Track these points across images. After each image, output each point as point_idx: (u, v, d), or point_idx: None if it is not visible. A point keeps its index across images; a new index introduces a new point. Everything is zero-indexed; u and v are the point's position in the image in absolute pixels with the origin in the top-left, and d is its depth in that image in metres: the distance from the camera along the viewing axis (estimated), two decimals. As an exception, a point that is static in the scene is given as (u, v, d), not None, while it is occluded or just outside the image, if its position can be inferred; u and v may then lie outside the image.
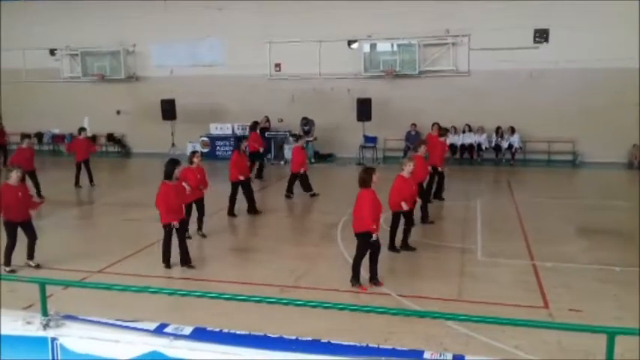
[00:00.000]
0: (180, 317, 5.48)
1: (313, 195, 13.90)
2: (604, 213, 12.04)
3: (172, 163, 8.85)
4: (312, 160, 19.38)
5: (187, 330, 3.16)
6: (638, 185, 16.06)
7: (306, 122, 19.70)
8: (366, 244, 7.82)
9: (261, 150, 16.75)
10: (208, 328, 3.20)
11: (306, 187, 13.94)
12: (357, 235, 7.92)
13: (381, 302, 7.35)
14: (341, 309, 3.52)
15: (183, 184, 9.61)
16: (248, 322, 5.31)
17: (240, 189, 12.14)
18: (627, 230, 10.61)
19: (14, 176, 8.63)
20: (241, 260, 9.69)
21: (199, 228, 10.65)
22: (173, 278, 8.53)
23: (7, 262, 8.63)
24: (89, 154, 15.68)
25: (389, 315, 6.55)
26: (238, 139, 16.00)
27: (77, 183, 15.52)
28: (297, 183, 13.94)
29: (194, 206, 10.41)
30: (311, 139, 19.46)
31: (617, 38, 17.35)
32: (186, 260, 8.88)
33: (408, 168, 9.20)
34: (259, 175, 16.45)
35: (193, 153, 10.87)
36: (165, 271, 8.74)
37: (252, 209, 12.34)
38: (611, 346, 2.82)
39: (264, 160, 17.26)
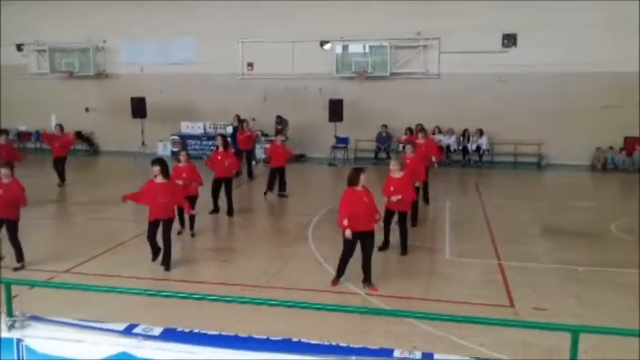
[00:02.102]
0: (150, 317, 5.44)
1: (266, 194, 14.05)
2: (568, 214, 12.34)
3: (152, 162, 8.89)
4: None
5: (157, 330, 3.14)
6: (601, 187, 16.54)
7: (280, 121, 19.68)
8: (344, 243, 7.89)
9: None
10: (178, 329, 3.19)
11: (278, 185, 14.03)
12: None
13: (349, 301, 7.42)
14: (304, 307, 3.53)
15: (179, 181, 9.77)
16: (218, 322, 5.32)
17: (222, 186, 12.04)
18: (590, 231, 10.92)
19: (3, 172, 8.55)
20: (213, 260, 9.63)
21: (190, 227, 10.64)
22: (143, 278, 8.43)
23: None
24: (66, 150, 15.58)
25: (357, 314, 6.64)
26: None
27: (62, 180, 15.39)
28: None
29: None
30: (283, 138, 19.43)
31: (583, 44, 17.81)
32: (164, 261, 8.80)
33: (393, 167, 9.28)
34: (250, 174, 16.63)
35: (179, 152, 11.21)
36: (134, 270, 8.62)
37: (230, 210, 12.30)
38: (575, 344, 2.91)
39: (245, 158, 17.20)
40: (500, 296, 7.67)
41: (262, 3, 19.94)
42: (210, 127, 20.30)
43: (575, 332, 2.97)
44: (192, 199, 10.30)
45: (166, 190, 8.61)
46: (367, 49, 19.97)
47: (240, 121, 17.63)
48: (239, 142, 16.62)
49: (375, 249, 8.41)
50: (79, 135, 22.35)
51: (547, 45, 18.16)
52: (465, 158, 19.35)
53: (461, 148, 19.37)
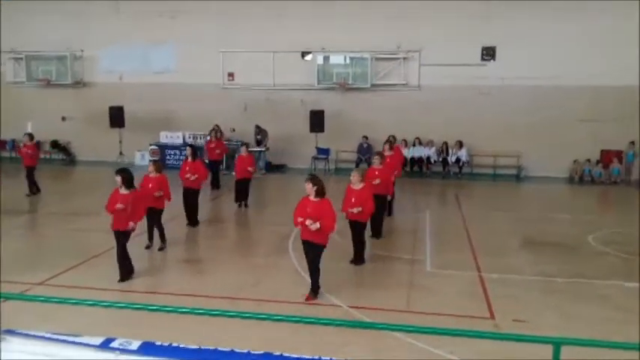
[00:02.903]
0: (127, 331, 5.32)
1: (240, 205, 13.91)
2: (547, 226, 12.46)
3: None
4: (263, 171, 19.31)
5: (135, 344, 3.06)
6: (578, 199, 16.75)
7: (259, 131, 19.64)
8: None
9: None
10: (157, 343, 3.12)
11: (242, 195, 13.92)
12: None
13: (331, 314, 7.37)
14: (295, 321, 3.49)
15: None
16: (198, 335, 5.22)
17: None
18: (568, 243, 11.03)
19: None
20: (192, 272, 9.52)
21: (161, 240, 10.42)
22: (120, 291, 8.29)
23: None
24: (34, 160, 15.15)
25: (339, 327, 6.58)
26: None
27: (31, 190, 15.00)
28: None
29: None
30: (263, 148, 19.45)
31: (561, 57, 18.14)
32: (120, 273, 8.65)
33: (353, 179, 9.31)
34: (217, 185, 16.34)
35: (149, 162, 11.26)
36: (111, 283, 8.47)
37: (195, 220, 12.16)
38: (557, 356, 2.91)
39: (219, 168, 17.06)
40: (481, 308, 7.69)
41: (243, 13, 19.95)
42: (189, 137, 20.15)
43: (557, 344, 2.98)
44: (158, 212, 10.21)
45: (127, 201, 8.47)
46: (348, 61, 20.07)
47: (212, 130, 17.49)
48: (208, 152, 16.61)
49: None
50: (55, 144, 22.08)
51: (526, 58, 18.45)
52: (444, 170, 19.48)
53: (441, 159, 19.50)
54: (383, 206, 11.16)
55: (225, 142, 17.66)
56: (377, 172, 10.84)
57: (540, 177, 18.63)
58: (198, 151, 12.97)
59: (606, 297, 8.11)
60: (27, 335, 3.15)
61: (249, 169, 13.55)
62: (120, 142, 20.78)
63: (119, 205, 8.34)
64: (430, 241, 11.19)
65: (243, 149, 14.01)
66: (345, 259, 9.53)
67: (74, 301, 3.97)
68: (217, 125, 18.43)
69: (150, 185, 9.97)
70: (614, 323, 7.03)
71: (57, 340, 3.12)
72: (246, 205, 13.91)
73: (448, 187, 17.98)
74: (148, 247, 10.25)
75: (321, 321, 3.99)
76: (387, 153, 12.75)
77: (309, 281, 8.08)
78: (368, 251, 9.84)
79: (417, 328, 4.34)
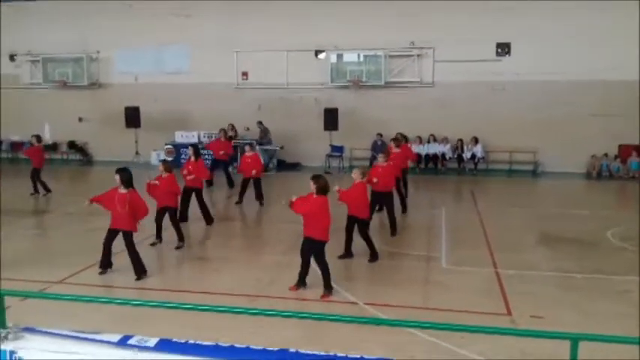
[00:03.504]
0: (144, 328, 5.38)
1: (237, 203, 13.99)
2: (564, 222, 12.34)
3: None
4: (273, 170, 19.37)
5: (152, 341, 3.09)
6: (596, 194, 16.57)
7: (261, 129, 19.63)
8: None
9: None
10: (174, 340, 3.14)
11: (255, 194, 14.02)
12: None
13: (346, 311, 7.36)
14: (303, 318, 3.50)
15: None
16: (214, 333, 5.26)
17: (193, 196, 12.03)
18: (586, 238, 10.92)
19: None
20: (206, 269, 9.57)
21: (179, 239, 10.47)
22: (136, 289, 8.36)
23: None
24: (42, 162, 15.32)
25: (355, 323, 6.58)
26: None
27: (36, 191, 15.15)
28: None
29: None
30: (267, 147, 19.44)
31: (575, 52, 17.95)
32: (135, 271, 8.67)
33: (354, 176, 9.38)
34: (230, 183, 16.38)
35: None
36: (129, 281, 8.55)
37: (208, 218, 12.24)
38: (574, 352, 2.88)
39: (229, 168, 17.11)
40: (498, 305, 7.64)
41: (256, 13, 20.01)
42: (204, 137, 20.26)
43: (575, 340, 2.95)
44: (173, 210, 10.37)
45: (125, 200, 8.54)
46: (362, 58, 20.04)
47: (221, 130, 17.56)
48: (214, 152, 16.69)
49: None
50: (72, 145, 22.35)
51: (541, 53, 18.29)
52: (460, 166, 19.38)
53: (456, 156, 19.40)
54: (391, 203, 11.14)
55: (231, 143, 17.67)
56: (380, 170, 10.84)
57: (557, 172, 18.47)
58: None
59: (625, 293, 8.01)
60: (46, 333, 3.19)
61: (252, 171, 13.63)
62: (136, 142, 20.96)
63: (119, 208, 8.48)
64: (446, 237, 11.14)
65: (247, 149, 14.19)
66: (361, 255, 9.54)
67: (88, 298, 4.02)
68: (231, 124, 18.51)
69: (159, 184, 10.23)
70: (632, 319, 6.93)
71: (75, 337, 3.15)
72: (261, 204, 13.97)
73: (463, 184, 17.88)
74: (153, 244, 10.37)
75: (335, 318, 4.00)
76: (394, 150, 12.76)
77: (322, 278, 8.11)
78: (385, 248, 9.84)
79: (433, 324, 4.32)
